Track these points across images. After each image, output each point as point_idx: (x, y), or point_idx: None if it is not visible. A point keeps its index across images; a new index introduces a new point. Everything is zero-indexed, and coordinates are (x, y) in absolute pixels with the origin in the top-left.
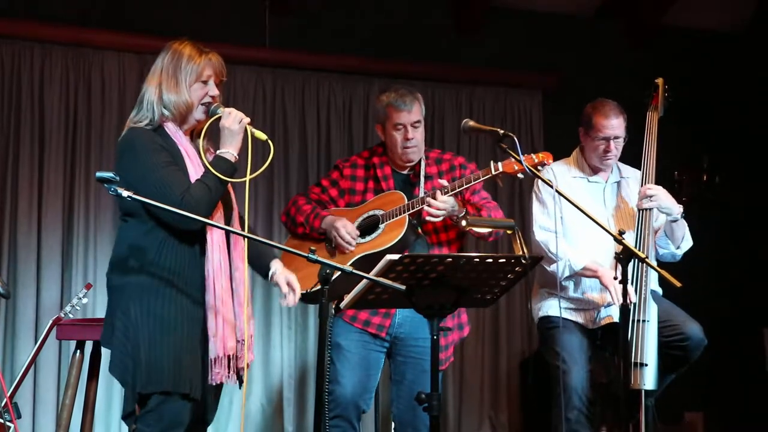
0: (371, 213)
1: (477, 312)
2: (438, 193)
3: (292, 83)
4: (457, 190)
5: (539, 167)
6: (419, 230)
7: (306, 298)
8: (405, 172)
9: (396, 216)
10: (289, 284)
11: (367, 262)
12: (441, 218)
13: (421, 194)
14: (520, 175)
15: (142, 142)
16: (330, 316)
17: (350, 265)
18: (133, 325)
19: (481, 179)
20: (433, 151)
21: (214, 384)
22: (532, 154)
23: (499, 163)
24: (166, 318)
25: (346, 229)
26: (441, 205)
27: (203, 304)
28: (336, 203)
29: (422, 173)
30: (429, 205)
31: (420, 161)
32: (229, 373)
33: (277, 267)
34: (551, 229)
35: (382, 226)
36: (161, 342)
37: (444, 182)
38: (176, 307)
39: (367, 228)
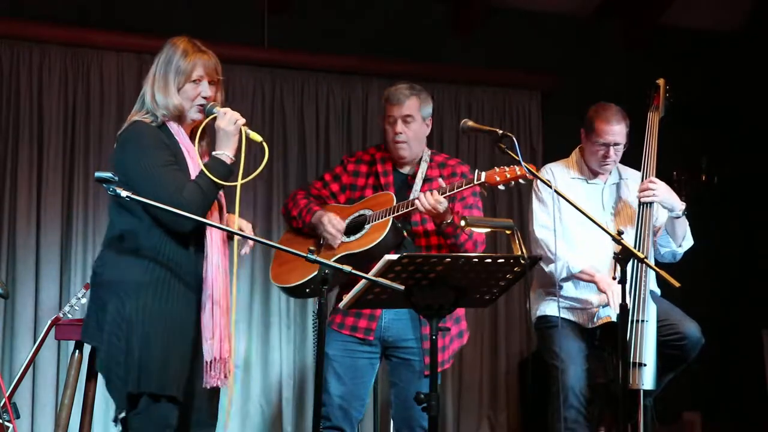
0: (361, 212)
1: (476, 312)
2: (435, 192)
3: (290, 83)
4: (448, 193)
5: (521, 180)
6: (405, 233)
7: (292, 291)
8: (405, 171)
9: (382, 217)
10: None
11: (349, 261)
12: (426, 213)
13: (413, 197)
14: (501, 187)
15: (146, 137)
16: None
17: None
18: (127, 322)
19: (464, 187)
20: (439, 155)
21: (208, 387)
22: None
23: (483, 173)
24: (161, 317)
25: (332, 223)
26: (430, 201)
27: (197, 305)
28: (337, 198)
29: (420, 175)
30: (418, 199)
31: (421, 162)
32: (222, 376)
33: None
34: (551, 227)
35: (367, 226)
36: (154, 342)
37: (442, 182)
38: (172, 306)
39: (354, 227)
